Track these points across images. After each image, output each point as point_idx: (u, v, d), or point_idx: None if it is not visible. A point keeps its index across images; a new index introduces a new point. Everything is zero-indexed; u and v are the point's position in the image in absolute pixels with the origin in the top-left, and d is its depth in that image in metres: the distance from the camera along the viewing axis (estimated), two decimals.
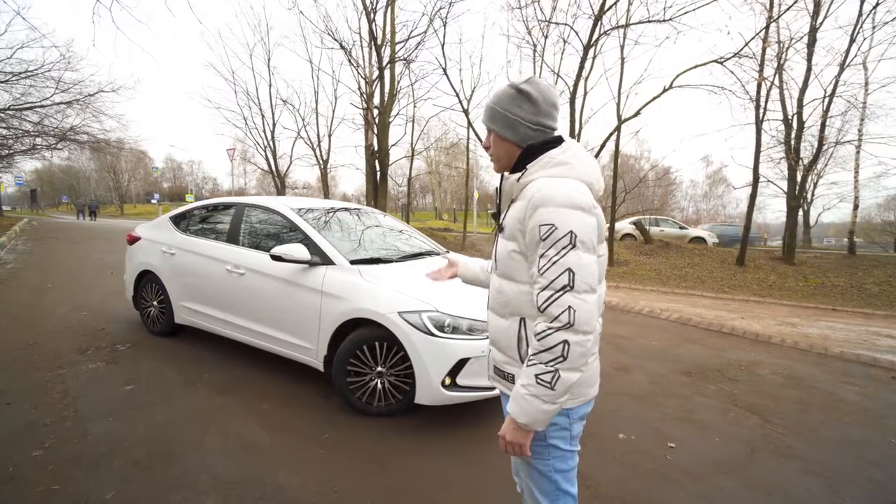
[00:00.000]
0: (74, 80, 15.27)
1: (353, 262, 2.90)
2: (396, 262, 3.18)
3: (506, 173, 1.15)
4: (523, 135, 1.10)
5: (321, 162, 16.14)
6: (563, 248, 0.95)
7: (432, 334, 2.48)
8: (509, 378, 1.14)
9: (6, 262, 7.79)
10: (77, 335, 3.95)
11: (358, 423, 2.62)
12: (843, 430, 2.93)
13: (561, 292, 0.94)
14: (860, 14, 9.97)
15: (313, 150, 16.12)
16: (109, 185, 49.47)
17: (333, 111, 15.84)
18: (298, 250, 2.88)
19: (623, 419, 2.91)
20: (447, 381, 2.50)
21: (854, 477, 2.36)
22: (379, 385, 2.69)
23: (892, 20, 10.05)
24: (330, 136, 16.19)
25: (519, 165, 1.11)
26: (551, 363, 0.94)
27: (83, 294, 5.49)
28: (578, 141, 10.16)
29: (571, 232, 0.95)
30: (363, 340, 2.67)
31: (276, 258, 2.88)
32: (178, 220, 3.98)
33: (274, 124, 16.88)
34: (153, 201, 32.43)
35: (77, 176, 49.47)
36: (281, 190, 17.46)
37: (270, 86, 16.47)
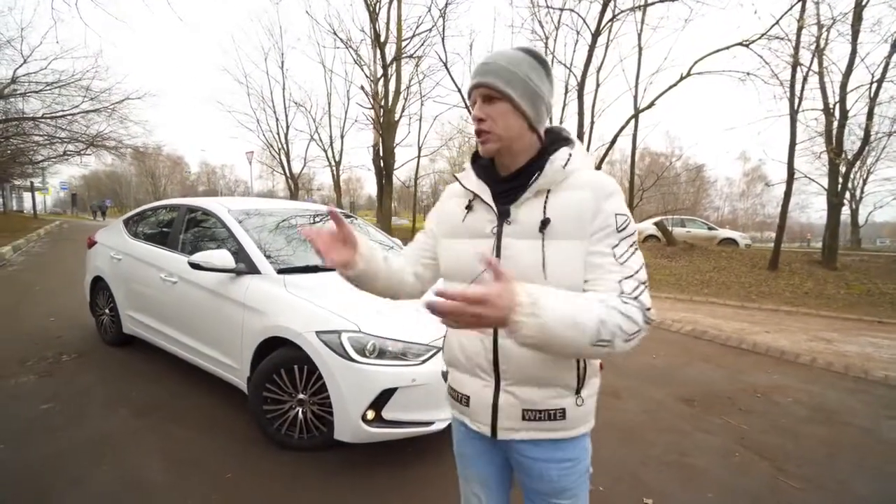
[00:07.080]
0: (102, 89, 15.98)
1: (280, 272, 2.53)
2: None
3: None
4: (540, 115, 0.86)
5: (333, 164, 16.06)
6: (637, 243, 0.82)
7: (351, 359, 2.08)
8: (557, 415, 0.89)
9: (12, 264, 7.96)
10: (30, 343, 3.78)
11: (272, 459, 2.25)
12: (883, 485, 2.32)
13: (644, 286, 0.78)
14: None
15: (325, 151, 16.07)
16: (148, 190, 51.88)
17: (346, 112, 15.74)
18: (220, 257, 2.54)
19: (597, 462, 2.40)
20: (370, 416, 2.09)
21: None
22: (300, 415, 2.31)
23: None
24: (343, 137, 16.11)
25: (524, 152, 0.87)
26: (626, 334, 0.72)
27: (64, 297, 5.41)
28: (590, 135, 9.36)
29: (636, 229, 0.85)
30: (281, 362, 2.30)
31: (194, 266, 2.55)
32: (128, 223, 3.76)
33: (287, 127, 16.97)
34: None
35: (120, 181, 52.09)
36: (295, 192, 17.53)
37: (284, 88, 16.58)
